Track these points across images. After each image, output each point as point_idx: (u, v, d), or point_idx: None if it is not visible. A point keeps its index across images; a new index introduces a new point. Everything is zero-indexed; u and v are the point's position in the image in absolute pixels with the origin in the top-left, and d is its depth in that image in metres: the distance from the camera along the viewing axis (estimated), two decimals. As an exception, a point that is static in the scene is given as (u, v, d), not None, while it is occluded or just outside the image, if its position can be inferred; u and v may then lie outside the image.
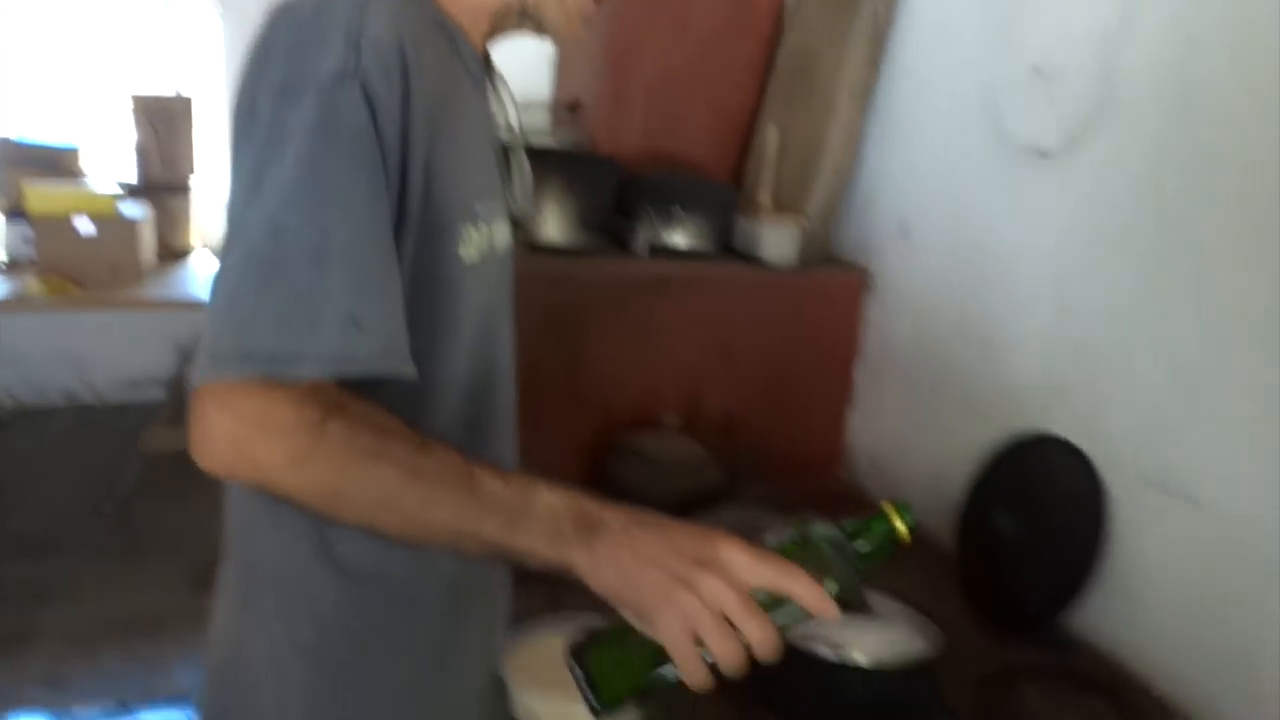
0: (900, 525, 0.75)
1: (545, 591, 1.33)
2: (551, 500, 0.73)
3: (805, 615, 0.72)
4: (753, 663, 0.72)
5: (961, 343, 1.67)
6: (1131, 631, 1.32)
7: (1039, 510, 1.41)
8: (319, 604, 0.86)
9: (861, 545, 0.76)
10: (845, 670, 1.11)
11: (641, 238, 1.78)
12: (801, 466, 1.93)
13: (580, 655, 0.74)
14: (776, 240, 1.80)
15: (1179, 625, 1.25)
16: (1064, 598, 1.37)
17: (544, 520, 0.72)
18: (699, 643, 0.70)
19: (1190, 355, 1.25)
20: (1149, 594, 1.30)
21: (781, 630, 0.71)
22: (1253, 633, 1.15)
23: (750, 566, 0.72)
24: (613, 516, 0.73)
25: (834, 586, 0.72)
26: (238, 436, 0.69)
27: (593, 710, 0.72)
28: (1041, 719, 1.19)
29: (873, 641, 1.13)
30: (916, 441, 1.81)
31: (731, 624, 0.70)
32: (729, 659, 0.70)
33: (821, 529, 0.75)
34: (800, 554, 0.74)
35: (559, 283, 1.66)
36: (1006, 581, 1.44)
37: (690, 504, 1.56)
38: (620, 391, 1.77)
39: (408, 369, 0.75)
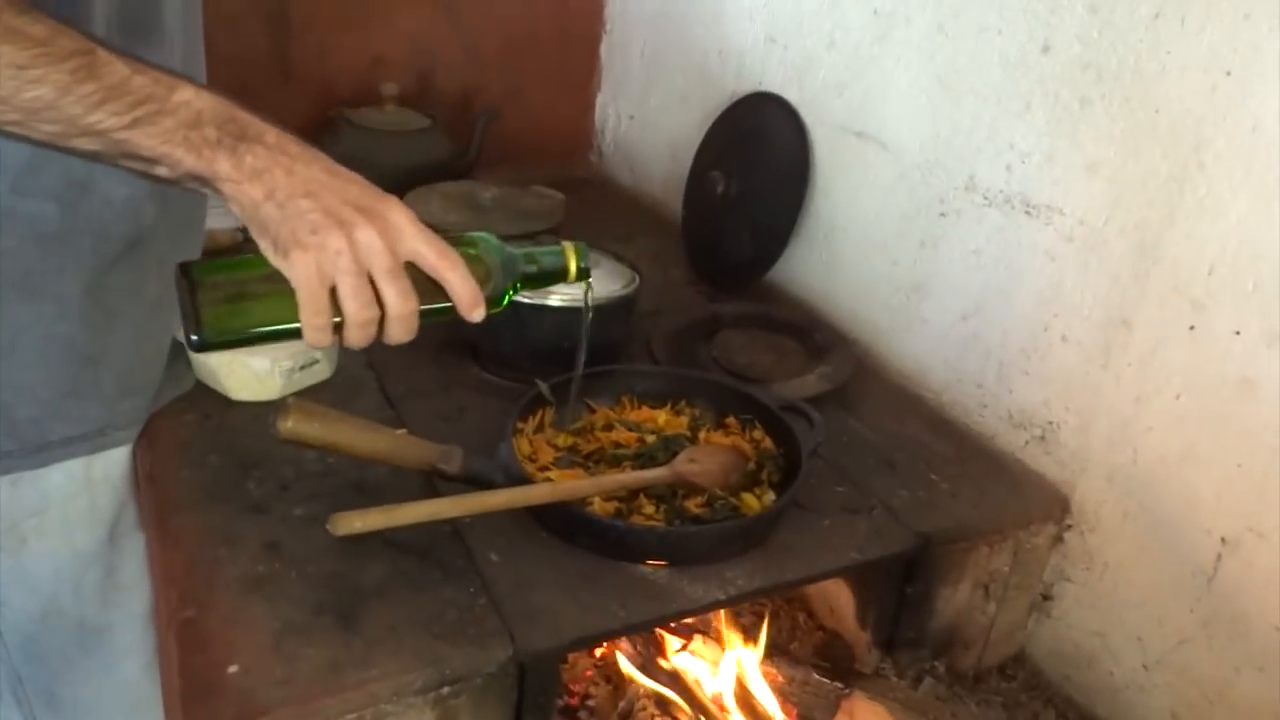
0: (572, 266, 0.77)
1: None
2: (195, 98, 0.62)
3: (448, 313, 0.69)
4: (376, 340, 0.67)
5: (694, 5, 1.61)
6: (826, 278, 1.39)
7: (752, 168, 1.43)
8: None
9: (529, 269, 0.75)
10: (540, 310, 1.12)
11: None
12: (551, 151, 1.89)
13: (192, 277, 0.66)
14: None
15: (864, 264, 1.32)
16: (772, 251, 1.42)
17: (182, 119, 0.62)
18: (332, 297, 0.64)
19: (887, -5, 1.24)
20: (842, 238, 1.36)
21: (420, 317, 0.67)
22: (924, 259, 1.23)
23: (415, 236, 0.66)
24: (271, 133, 0.65)
25: (486, 293, 0.70)
26: None
27: (189, 342, 0.66)
28: (733, 357, 1.25)
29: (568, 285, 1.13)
30: (656, 116, 1.78)
31: (374, 289, 0.65)
32: (359, 322, 0.65)
33: (497, 241, 0.74)
34: (468, 253, 0.70)
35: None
36: (720, 240, 1.47)
37: (417, 180, 1.49)
38: (338, 63, 1.63)
39: None
